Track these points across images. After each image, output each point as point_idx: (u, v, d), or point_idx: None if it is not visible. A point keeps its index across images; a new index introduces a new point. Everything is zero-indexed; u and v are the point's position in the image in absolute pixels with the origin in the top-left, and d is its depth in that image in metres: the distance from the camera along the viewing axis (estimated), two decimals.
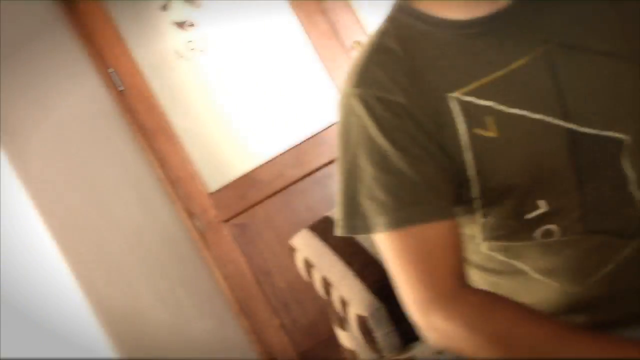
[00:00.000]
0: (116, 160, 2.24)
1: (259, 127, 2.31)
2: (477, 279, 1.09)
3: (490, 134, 0.93)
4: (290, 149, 2.21)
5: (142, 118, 2.21)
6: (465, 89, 0.94)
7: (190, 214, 2.23)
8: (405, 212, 0.93)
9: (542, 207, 0.96)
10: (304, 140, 2.22)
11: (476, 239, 1.02)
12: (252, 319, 2.24)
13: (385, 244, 0.95)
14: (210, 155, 2.33)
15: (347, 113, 0.96)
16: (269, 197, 2.24)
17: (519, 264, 1.03)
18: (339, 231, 0.97)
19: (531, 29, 0.96)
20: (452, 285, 0.95)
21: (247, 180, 2.28)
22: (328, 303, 1.63)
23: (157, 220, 2.24)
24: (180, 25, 2.26)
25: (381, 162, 0.94)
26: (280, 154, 2.15)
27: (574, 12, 0.97)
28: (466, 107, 0.94)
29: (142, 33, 2.27)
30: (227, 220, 2.23)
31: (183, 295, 2.23)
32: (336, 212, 0.98)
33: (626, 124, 0.96)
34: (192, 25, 2.27)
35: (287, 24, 2.28)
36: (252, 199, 2.25)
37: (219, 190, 2.26)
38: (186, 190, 2.24)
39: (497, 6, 0.93)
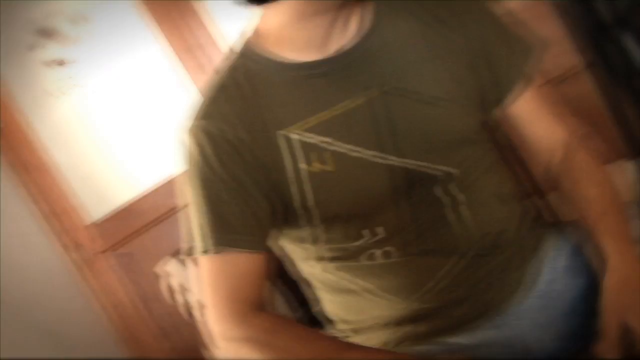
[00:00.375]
0: None
1: (140, 157, 2.33)
2: (325, 298, 1.17)
3: (329, 168, 0.99)
4: (171, 178, 2.12)
5: (21, 154, 2.21)
6: (300, 125, 0.98)
7: (71, 246, 2.21)
8: (218, 240, 0.98)
9: (375, 229, 1.03)
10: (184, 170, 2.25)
11: (313, 262, 1.10)
12: (138, 345, 2.24)
13: (201, 266, 1.02)
14: (92, 187, 2.34)
15: (190, 143, 0.99)
16: (152, 225, 2.24)
17: (354, 283, 1.11)
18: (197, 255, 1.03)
19: (369, 72, 1.00)
20: (243, 309, 1.00)
21: (130, 210, 2.29)
22: (191, 325, 1.70)
23: (37, 254, 2.22)
24: (54, 63, 2.27)
25: (212, 192, 0.98)
26: (162, 184, 2.17)
27: (407, 60, 1.03)
28: (294, 144, 0.99)
29: (16, 73, 2.26)
30: (108, 250, 2.23)
31: (65, 328, 2.19)
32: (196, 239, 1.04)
33: (449, 160, 1.03)
34: (62, 63, 2.28)
35: (161, 56, 2.31)
36: (135, 228, 2.25)
37: (101, 221, 2.26)
38: (66, 223, 2.23)
39: (338, 49, 0.98)
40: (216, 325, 1.02)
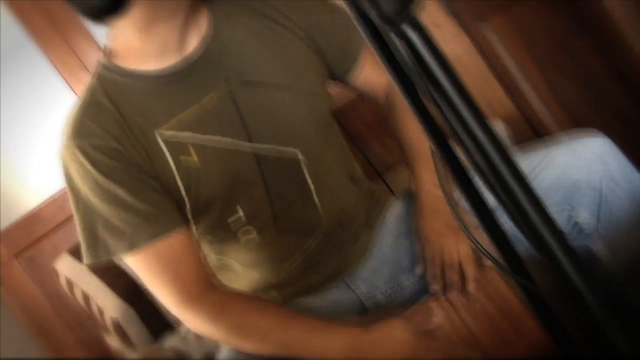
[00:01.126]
0: None
1: (38, 166, 2.41)
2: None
3: (193, 158, 1.03)
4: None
5: None
6: (166, 126, 1.02)
7: None
8: (140, 235, 1.00)
9: (240, 212, 1.09)
10: None
11: (204, 244, 1.14)
12: (51, 338, 2.32)
13: (133, 264, 1.03)
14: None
15: (68, 161, 1.00)
16: (54, 230, 2.33)
17: (228, 260, 1.18)
18: (86, 260, 1.02)
19: (215, 71, 1.05)
20: (195, 287, 1.05)
21: (32, 217, 2.38)
22: (90, 314, 1.70)
23: None
24: None
25: (108, 199, 0.99)
26: (60, 190, 2.24)
27: (248, 56, 1.07)
28: (168, 141, 1.02)
29: None
30: (16, 255, 2.31)
31: None
32: (81, 246, 1.03)
33: (298, 142, 1.09)
34: None
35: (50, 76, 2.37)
36: (39, 234, 2.34)
37: (6, 230, 2.35)
38: None
39: (184, 56, 1.02)
40: (175, 308, 1.06)
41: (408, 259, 1.22)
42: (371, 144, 1.35)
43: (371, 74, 1.20)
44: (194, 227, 1.11)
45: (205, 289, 1.06)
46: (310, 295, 1.20)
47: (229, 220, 1.10)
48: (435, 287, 1.10)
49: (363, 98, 1.32)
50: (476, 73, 1.85)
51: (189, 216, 1.08)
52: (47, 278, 2.34)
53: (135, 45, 1.01)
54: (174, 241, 1.03)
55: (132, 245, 1.00)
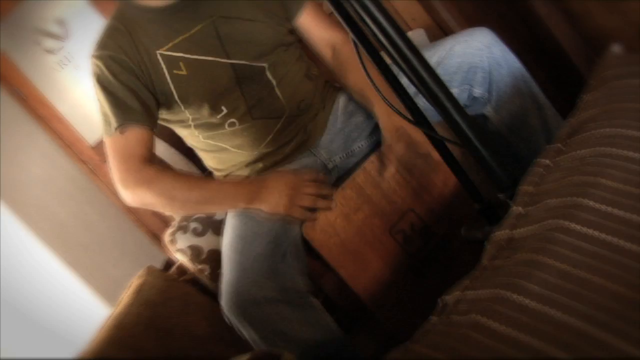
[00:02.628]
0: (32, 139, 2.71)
1: None
2: (206, 158, 1.49)
3: (183, 72, 1.27)
4: None
5: (38, 109, 2.82)
6: (165, 47, 1.26)
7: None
8: (121, 118, 1.25)
9: (224, 109, 1.32)
10: None
11: (196, 134, 1.40)
12: (138, 216, 2.84)
13: (107, 143, 1.28)
14: (89, 124, 2.86)
15: (92, 69, 1.28)
16: None
17: (223, 145, 1.41)
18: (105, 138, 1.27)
19: (202, 8, 1.28)
20: (138, 163, 1.26)
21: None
22: None
23: (64, 170, 2.74)
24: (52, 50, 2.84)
25: (109, 90, 1.25)
26: None
27: None
28: (165, 57, 1.26)
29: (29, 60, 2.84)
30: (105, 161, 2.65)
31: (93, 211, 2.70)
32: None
33: (264, 58, 1.32)
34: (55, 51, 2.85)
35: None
36: None
37: (98, 143, 2.73)
38: (77, 147, 2.84)
39: None
40: (118, 179, 1.27)
41: (357, 131, 1.45)
42: None
43: (312, 25, 1.38)
44: (193, 123, 1.35)
45: (142, 167, 1.26)
46: (285, 163, 1.43)
47: (218, 116, 1.33)
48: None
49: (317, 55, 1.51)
50: None
51: (188, 115, 1.31)
52: None
53: None
54: (133, 133, 1.25)
55: (111, 129, 1.24)
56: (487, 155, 0.91)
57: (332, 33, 1.40)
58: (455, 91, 1.33)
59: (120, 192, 1.27)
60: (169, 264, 3.01)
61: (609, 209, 0.77)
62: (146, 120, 1.27)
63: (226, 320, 1.19)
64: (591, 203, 0.79)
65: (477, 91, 1.33)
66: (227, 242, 1.29)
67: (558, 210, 0.80)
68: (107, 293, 2.38)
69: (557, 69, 1.57)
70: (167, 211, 1.37)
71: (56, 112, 2.99)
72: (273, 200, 1.25)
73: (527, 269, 0.75)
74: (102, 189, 2.96)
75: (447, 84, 1.25)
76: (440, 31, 2.13)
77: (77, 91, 3.08)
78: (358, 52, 0.92)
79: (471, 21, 1.93)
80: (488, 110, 1.36)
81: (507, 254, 0.80)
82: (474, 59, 1.29)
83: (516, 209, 0.86)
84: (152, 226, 2.98)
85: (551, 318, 0.68)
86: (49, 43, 3.04)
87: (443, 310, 0.78)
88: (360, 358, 1.27)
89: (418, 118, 0.99)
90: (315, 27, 1.39)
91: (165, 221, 2.86)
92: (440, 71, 1.28)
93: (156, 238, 3.02)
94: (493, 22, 1.71)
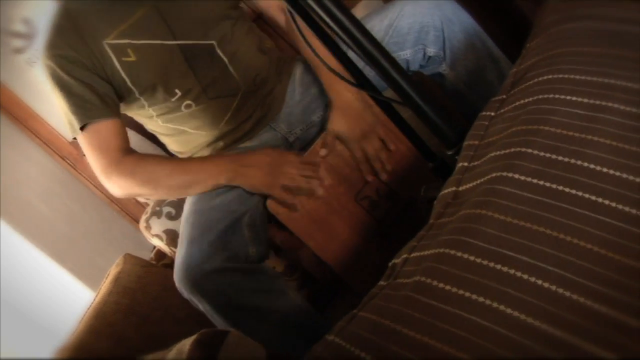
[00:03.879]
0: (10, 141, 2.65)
1: None
2: (168, 142, 1.48)
3: (132, 59, 1.26)
4: None
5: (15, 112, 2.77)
6: (110, 36, 1.24)
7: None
8: (83, 117, 1.23)
9: (178, 92, 1.30)
10: None
11: (154, 119, 1.38)
12: (120, 205, 2.83)
13: (80, 142, 1.27)
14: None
15: (45, 71, 1.25)
16: None
17: (182, 127, 1.40)
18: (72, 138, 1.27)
19: None
20: (117, 155, 1.25)
21: None
22: None
23: (45, 169, 2.73)
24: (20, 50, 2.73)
25: (67, 89, 1.23)
26: None
27: None
28: (112, 46, 1.24)
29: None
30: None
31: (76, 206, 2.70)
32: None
33: (212, 35, 1.30)
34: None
35: None
36: None
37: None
38: (56, 144, 2.78)
39: None
40: (100, 173, 1.26)
41: (315, 102, 1.44)
42: None
43: None
44: (152, 110, 1.33)
45: (122, 157, 1.25)
46: (246, 140, 1.42)
47: (173, 99, 1.31)
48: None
49: (265, 21, 1.52)
50: None
51: (144, 102, 1.30)
52: None
53: None
54: (103, 126, 1.25)
55: (77, 126, 1.22)
56: (432, 113, 0.89)
57: None
58: (409, 52, 1.33)
59: (105, 184, 1.26)
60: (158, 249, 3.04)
61: (550, 155, 0.74)
62: (110, 112, 1.26)
63: (182, 295, 1.17)
64: (533, 152, 0.77)
65: (431, 50, 1.32)
66: (184, 217, 1.29)
67: (500, 161, 0.78)
68: (95, 284, 2.37)
69: (511, 23, 1.55)
70: (153, 197, 1.35)
71: (31, 111, 2.98)
72: (254, 178, 1.24)
73: (470, 224, 0.72)
74: (83, 182, 2.97)
75: (400, 45, 1.27)
76: None
77: (49, 87, 3.10)
78: (295, 22, 0.89)
79: None
80: (444, 69, 1.35)
81: (452, 211, 0.78)
82: (425, 18, 1.28)
83: (461, 164, 0.84)
84: (136, 214, 2.98)
85: (495, 272, 0.66)
86: (17, 42, 3.03)
87: (391, 274, 0.76)
88: (325, 328, 1.26)
89: (360, 81, 0.96)
90: None
91: (145, 206, 2.89)
92: (392, 33, 1.26)
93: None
94: None
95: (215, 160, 1.30)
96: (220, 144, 1.42)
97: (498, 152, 0.80)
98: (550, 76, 0.85)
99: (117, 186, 1.26)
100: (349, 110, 1.27)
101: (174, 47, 1.27)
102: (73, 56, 1.23)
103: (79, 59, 1.23)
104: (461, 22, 1.30)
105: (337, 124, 1.29)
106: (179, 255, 1.17)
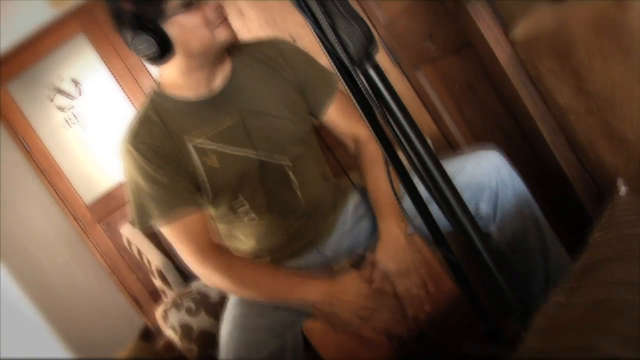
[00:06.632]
0: (28, 189, 2.73)
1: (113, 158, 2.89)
2: (227, 245, 1.44)
3: (215, 164, 1.25)
4: None
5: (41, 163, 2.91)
6: (197, 138, 1.24)
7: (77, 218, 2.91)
8: (170, 209, 1.22)
9: (242, 199, 1.30)
10: None
11: (209, 218, 1.35)
12: (120, 277, 2.91)
13: (164, 231, 1.25)
14: (86, 183, 3.07)
15: (126, 156, 1.23)
16: (123, 205, 2.79)
17: (234, 233, 1.40)
18: (135, 226, 1.24)
19: (232, 102, 1.26)
20: (208, 249, 1.24)
21: (109, 195, 3.02)
22: (142, 263, 1.92)
23: (56, 224, 2.78)
24: (62, 108, 3.05)
25: (151, 180, 1.21)
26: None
27: (256, 92, 1.28)
28: (197, 147, 1.24)
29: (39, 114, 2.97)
30: (98, 221, 2.97)
31: (77, 268, 2.73)
32: (132, 216, 1.25)
33: (287, 153, 1.30)
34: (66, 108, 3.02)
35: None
36: (113, 207, 3.00)
37: (92, 204, 3.00)
38: (72, 204, 2.94)
39: (213, 90, 1.25)
40: (193, 264, 1.25)
41: (363, 235, 1.44)
42: (337, 149, 1.55)
43: (336, 119, 1.38)
44: (212, 210, 1.33)
45: (215, 251, 1.24)
46: (292, 259, 1.41)
47: (234, 204, 1.31)
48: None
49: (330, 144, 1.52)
50: (412, 105, 2.12)
51: (209, 203, 1.29)
52: (117, 237, 2.85)
53: (178, 81, 1.24)
54: (192, 216, 1.23)
55: (164, 217, 1.21)
56: (500, 277, 0.88)
57: (357, 129, 1.39)
58: None
59: (194, 269, 1.24)
60: (146, 329, 2.93)
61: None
62: (194, 201, 1.25)
63: None
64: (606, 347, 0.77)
65: (483, 208, 1.34)
66: (227, 330, 1.26)
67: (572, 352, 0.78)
68: (77, 349, 2.32)
69: (558, 194, 1.59)
70: (238, 295, 1.31)
71: (57, 167, 3.06)
72: (347, 312, 1.22)
73: None
74: (89, 248, 2.94)
75: None
76: (445, 142, 2.15)
77: (80, 150, 3.15)
78: (388, 172, 0.91)
79: (477, 137, 1.95)
80: (491, 228, 1.36)
81: None
82: (483, 178, 1.31)
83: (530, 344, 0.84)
84: (134, 290, 2.93)
85: None
86: (61, 100, 3.09)
87: None
88: None
89: (436, 237, 0.97)
90: (341, 120, 1.38)
91: (147, 286, 2.85)
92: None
93: (136, 302, 2.96)
94: (499, 140, 1.75)
95: (310, 275, 1.28)
96: (266, 257, 1.41)
97: (569, 341, 0.80)
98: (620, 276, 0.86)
99: (210, 276, 1.25)
100: (395, 244, 1.26)
101: (254, 160, 1.27)
102: (158, 147, 1.23)
103: (163, 150, 1.23)
104: (515, 187, 1.33)
105: (383, 257, 1.27)
106: None
